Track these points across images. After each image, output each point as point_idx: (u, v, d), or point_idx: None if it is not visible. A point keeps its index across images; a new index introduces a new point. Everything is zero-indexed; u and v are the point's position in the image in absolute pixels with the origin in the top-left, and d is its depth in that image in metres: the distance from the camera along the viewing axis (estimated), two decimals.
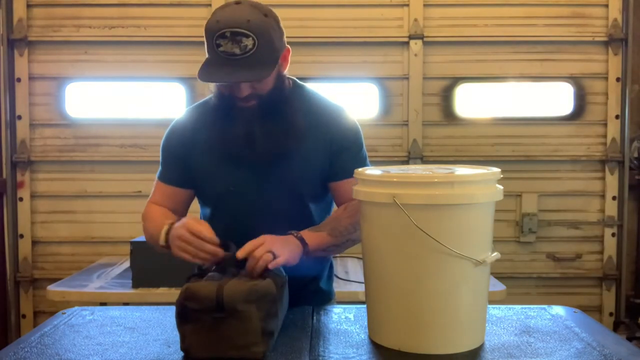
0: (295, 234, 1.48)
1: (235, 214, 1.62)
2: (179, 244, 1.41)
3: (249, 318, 1.23)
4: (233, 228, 1.60)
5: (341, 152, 1.61)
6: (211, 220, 1.68)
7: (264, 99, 1.53)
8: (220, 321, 1.23)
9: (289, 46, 1.59)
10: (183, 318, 1.25)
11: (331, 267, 1.83)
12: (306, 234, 1.50)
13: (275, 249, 1.37)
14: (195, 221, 1.44)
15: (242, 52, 1.43)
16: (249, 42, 1.43)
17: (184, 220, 1.45)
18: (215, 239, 1.40)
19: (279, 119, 1.55)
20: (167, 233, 1.48)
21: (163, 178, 1.69)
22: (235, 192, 1.59)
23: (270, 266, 1.35)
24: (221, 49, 1.43)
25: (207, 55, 1.50)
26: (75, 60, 3.42)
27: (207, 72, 1.47)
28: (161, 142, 1.70)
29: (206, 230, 1.40)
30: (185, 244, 1.40)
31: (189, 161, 1.64)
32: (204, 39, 1.50)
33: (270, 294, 1.27)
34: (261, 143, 1.54)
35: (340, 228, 1.54)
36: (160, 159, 1.71)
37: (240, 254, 1.36)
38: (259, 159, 1.56)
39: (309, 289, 1.70)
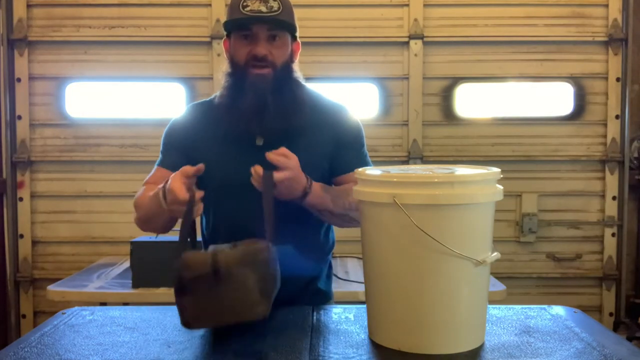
0: (308, 179, 1.52)
1: (237, 208, 1.62)
2: (175, 209, 1.42)
3: (245, 280, 1.24)
4: (234, 223, 1.61)
5: (343, 148, 1.67)
6: (212, 214, 1.69)
7: (276, 74, 1.58)
8: (218, 288, 1.23)
9: (299, 41, 1.68)
10: (181, 290, 1.25)
11: (330, 267, 1.82)
12: (315, 186, 1.54)
13: (281, 185, 1.44)
14: (176, 180, 1.42)
15: (268, 11, 1.54)
16: (275, 4, 1.55)
17: (168, 183, 1.45)
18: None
19: (287, 99, 1.60)
20: (165, 197, 1.46)
21: (163, 165, 1.69)
22: (238, 184, 1.59)
23: (276, 176, 1.42)
24: (248, 9, 1.53)
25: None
26: (75, 60, 3.43)
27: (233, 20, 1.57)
28: (163, 133, 1.72)
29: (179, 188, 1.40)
30: (178, 207, 1.40)
31: (191, 153, 1.65)
32: (228, 10, 1.59)
33: (264, 257, 1.29)
34: (270, 122, 1.56)
35: (343, 200, 1.57)
36: (161, 148, 1.72)
37: (272, 159, 1.44)
38: (266, 145, 1.57)
39: (308, 290, 1.71)
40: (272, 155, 1.46)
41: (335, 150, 1.66)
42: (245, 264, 1.25)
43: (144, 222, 1.65)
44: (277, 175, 1.44)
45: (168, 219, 1.56)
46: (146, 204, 1.59)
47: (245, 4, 1.54)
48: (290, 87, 1.62)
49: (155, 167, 1.72)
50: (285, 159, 1.46)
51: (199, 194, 1.42)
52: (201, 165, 1.45)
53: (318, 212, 1.59)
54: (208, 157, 1.62)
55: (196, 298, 1.25)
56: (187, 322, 1.26)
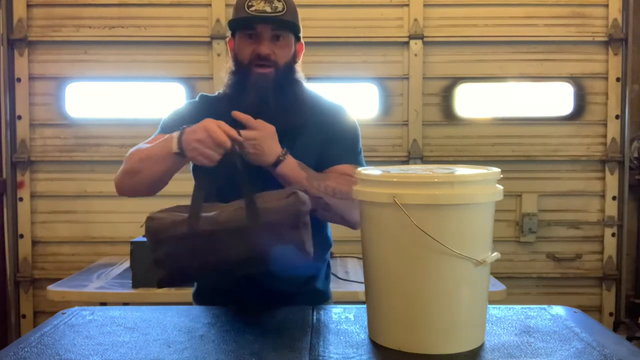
0: (284, 150, 1.54)
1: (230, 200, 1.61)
2: (198, 147, 1.40)
3: None
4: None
5: (334, 142, 1.67)
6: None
7: (278, 73, 1.60)
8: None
9: (303, 42, 1.70)
10: (296, 227, 1.35)
11: (328, 267, 1.82)
12: (292, 159, 1.55)
13: (249, 143, 1.46)
14: (213, 122, 1.42)
15: (272, 11, 1.56)
16: (279, 5, 1.57)
17: (198, 124, 1.43)
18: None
19: (288, 98, 1.61)
20: (180, 138, 1.45)
21: (164, 132, 1.64)
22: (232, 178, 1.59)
23: (243, 133, 1.45)
24: (252, 8, 1.56)
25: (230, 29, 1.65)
26: (75, 60, 3.43)
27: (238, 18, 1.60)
28: (164, 117, 1.71)
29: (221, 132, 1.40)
30: (203, 146, 1.40)
31: None
32: (233, 9, 1.62)
33: (161, 229, 1.40)
34: (270, 121, 1.56)
35: (319, 182, 1.56)
36: (160, 125, 1.69)
37: (239, 116, 1.50)
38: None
39: (306, 290, 1.71)
40: (238, 113, 1.49)
41: (327, 145, 1.67)
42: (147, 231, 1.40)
43: (131, 174, 1.57)
44: (245, 133, 1.46)
45: (162, 171, 1.51)
46: (143, 151, 1.54)
47: (250, 3, 1.56)
48: (291, 87, 1.64)
49: (155, 135, 1.68)
50: (255, 120, 1.50)
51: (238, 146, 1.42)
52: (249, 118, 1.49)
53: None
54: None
55: (310, 230, 1.38)
56: (308, 254, 1.37)
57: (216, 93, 1.75)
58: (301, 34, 1.68)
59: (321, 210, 1.60)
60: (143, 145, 1.61)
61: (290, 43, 1.64)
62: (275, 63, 1.60)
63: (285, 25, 1.60)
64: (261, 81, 1.59)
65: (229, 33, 1.70)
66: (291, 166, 1.55)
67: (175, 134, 1.46)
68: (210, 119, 1.43)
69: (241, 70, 1.63)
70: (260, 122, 1.52)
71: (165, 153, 1.47)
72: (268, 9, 1.56)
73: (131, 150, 1.61)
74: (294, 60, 1.66)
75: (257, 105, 1.58)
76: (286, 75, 1.63)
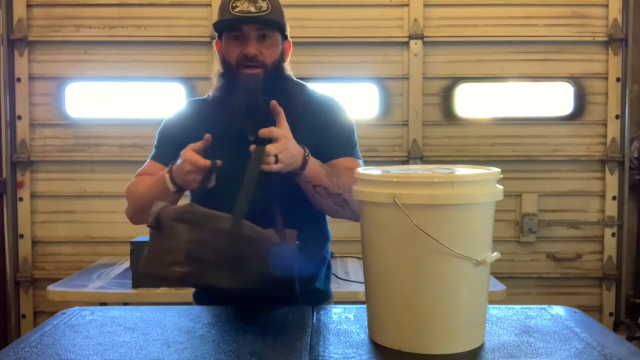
0: (304, 147, 1.53)
1: (231, 202, 1.61)
2: (193, 179, 1.48)
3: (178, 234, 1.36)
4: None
5: (332, 134, 1.68)
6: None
7: (267, 73, 1.60)
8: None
9: (290, 40, 1.69)
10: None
11: (329, 267, 1.82)
12: (313, 160, 1.55)
13: (282, 155, 1.45)
14: (188, 151, 1.49)
15: (257, 11, 1.56)
16: (264, 4, 1.57)
17: (180, 159, 1.50)
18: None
19: (279, 97, 1.60)
20: (171, 178, 1.52)
21: (157, 158, 1.70)
22: (231, 179, 1.59)
23: (271, 148, 1.43)
24: (237, 9, 1.56)
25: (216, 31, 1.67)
26: (75, 60, 3.43)
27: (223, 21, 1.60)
28: (159, 128, 1.74)
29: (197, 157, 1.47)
30: (194, 176, 1.47)
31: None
32: (218, 11, 1.63)
33: (202, 219, 1.37)
34: (261, 121, 1.55)
35: (338, 178, 1.58)
36: (155, 142, 1.73)
37: (264, 132, 1.47)
38: (257, 143, 1.57)
39: (306, 289, 1.70)
40: (263, 130, 1.49)
41: (323, 139, 1.67)
42: (182, 220, 1.38)
43: (139, 211, 1.64)
44: (275, 147, 1.44)
45: (169, 202, 1.53)
46: (144, 191, 1.60)
47: (234, 4, 1.56)
48: (281, 85, 1.64)
49: (149, 160, 1.73)
50: (277, 129, 1.50)
51: (220, 162, 1.47)
52: (208, 136, 1.50)
53: (314, 190, 1.58)
54: (201, 154, 1.63)
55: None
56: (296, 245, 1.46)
57: (205, 96, 1.75)
58: (288, 32, 1.68)
59: (340, 209, 1.61)
60: (137, 182, 1.68)
61: (277, 42, 1.64)
62: (263, 63, 1.60)
63: (271, 24, 1.60)
64: (250, 82, 1.59)
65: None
66: (314, 165, 1.55)
67: (166, 175, 1.53)
68: (185, 151, 1.49)
69: (229, 72, 1.63)
70: (279, 130, 1.50)
71: (166, 192, 1.54)
72: (252, 9, 1.56)
73: (129, 185, 1.68)
74: (282, 59, 1.66)
75: (247, 106, 1.58)
76: (275, 75, 1.63)
